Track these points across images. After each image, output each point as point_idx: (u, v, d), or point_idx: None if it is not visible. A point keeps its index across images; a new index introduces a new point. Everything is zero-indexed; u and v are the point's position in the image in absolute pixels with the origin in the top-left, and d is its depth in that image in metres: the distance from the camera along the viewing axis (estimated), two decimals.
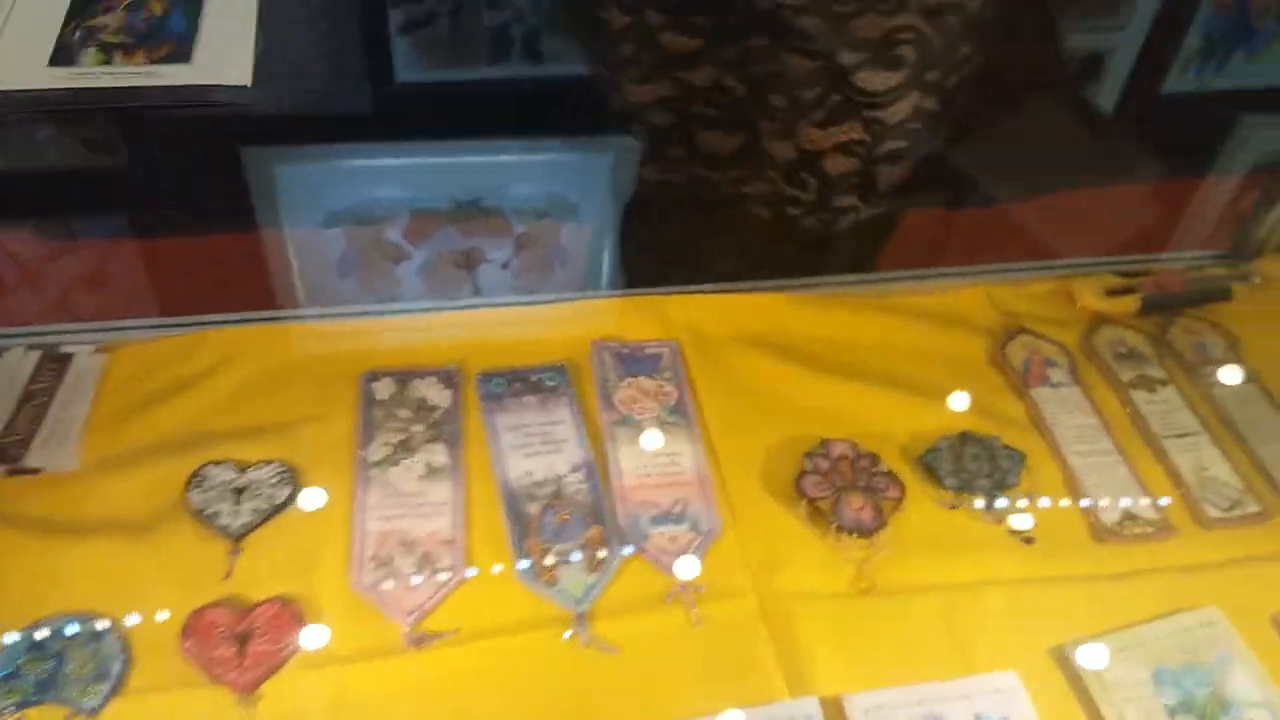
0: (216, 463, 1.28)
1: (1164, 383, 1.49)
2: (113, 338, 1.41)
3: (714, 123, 1.50)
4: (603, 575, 1.22)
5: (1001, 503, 1.30)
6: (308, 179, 1.53)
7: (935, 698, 1.14)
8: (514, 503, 1.28)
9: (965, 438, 1.38)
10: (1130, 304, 1.60)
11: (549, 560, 1.23)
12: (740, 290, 1.55)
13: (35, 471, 1.25)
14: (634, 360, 1.46)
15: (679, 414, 1.41)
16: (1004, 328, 1.54)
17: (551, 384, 1.43)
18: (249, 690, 1.10)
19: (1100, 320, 1.57)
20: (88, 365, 1.36)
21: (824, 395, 1.42)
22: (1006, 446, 1.38)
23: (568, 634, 1.16)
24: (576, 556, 1.23)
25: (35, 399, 1.32)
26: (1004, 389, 1.47)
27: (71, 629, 1.11)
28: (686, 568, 1.22)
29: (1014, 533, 1.30)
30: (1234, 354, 1.54)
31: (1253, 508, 1.33)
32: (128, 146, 1.53)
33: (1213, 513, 1.32)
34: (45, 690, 1.07)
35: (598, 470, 1.32)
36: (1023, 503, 1.31)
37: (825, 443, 1.36)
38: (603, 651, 1.15)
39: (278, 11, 1.38)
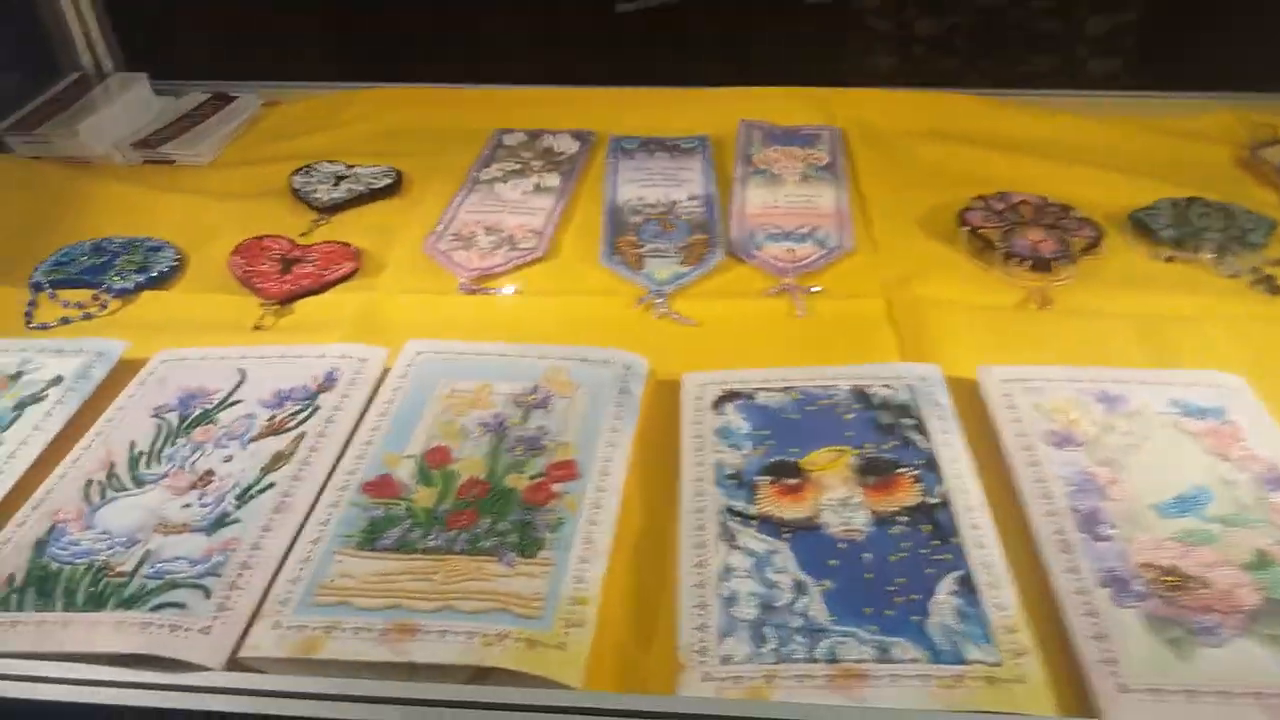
0: (330, 161, 1.25)
1: None
2: (279, 91, 1.47)
3: None
4: (696, 269, 1.04)
5: (1237, 259, 1.00)
6: None
7: (1114, 379, 0.83)
8: (616, 214, 1.15)
9: (1193, 200, 1.08)
10: None
11: (639, 251, 1.07)
12: (926, 88, 1.37)
13: (170, 161, 1.28)
14: (784, 135, 1.30)
15: (827, 171, 1.22)
16: (1255, 139, 1.24)
17: (688, 147, 1.30)
18: (280, 300, 1.00)
19: None
20: (247, 104, 1.41)
21: (1017, 171, 1.19)
22: (1251, 212, 1.07)
23: (641, 300, 0.99)
24: (670, 252, 1.07)
25: (190, 118, 1.37)
26: (1253, 184, 1.16)
27: (135, 242, 1.09)
28: (800, 271, 1.02)
29: (1256, 281, 0.98)
30: None
31: None
32: None
33: None
34: (86, 275, 1.04)
35: (718, 201, 1.16)
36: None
37: (1003, 193, 1.12)
38: (678, 323, 0.96)
39: None
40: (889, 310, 0.99)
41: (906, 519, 0.73)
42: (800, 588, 0.69)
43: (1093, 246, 1.06)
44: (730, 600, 0.68)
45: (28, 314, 1.01)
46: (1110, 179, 1.19)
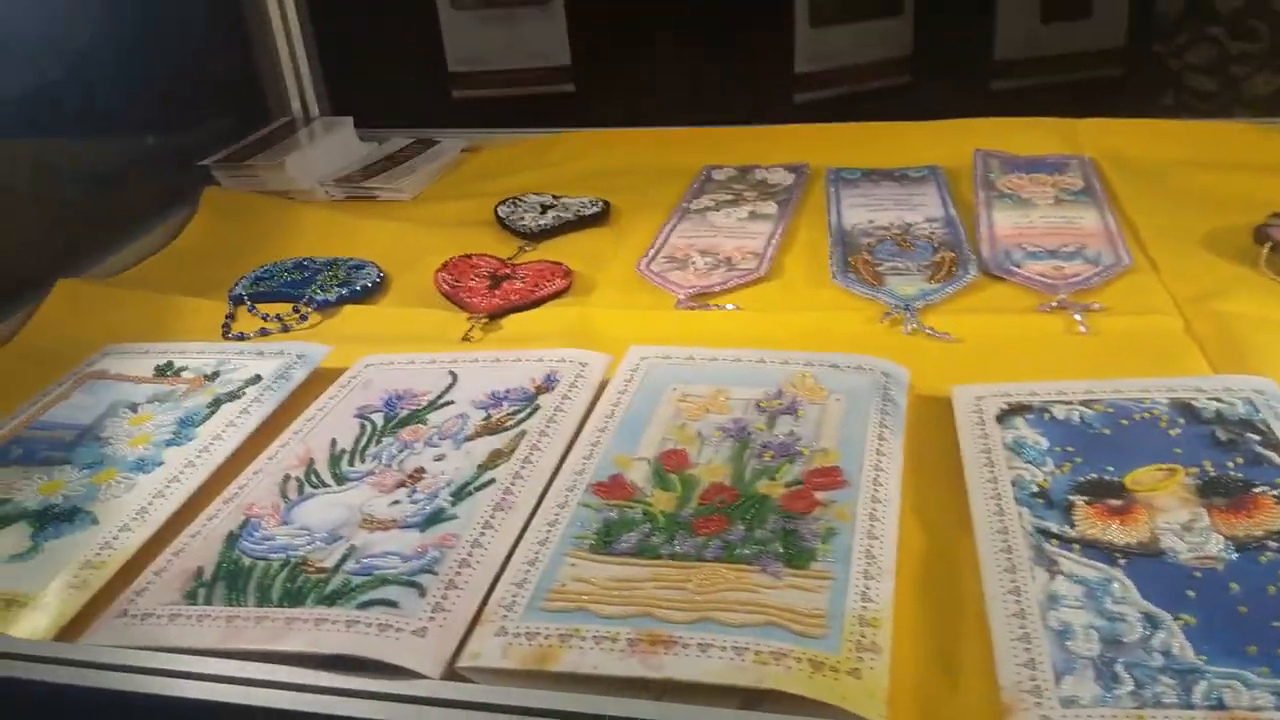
0: (538, 193, 1.20)
1: None
2: (481, 138, 1.44)
3: None
4: (948, 285, 0.92)
5: None
6: None
7: None
8: (844, 236, 1.04)
9: None
10: None
11: (877, 269, 0.95)
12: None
13: (372, 196, 1.26)
14: (1027, 163, 1.18)
15: (1084, 194, 1.09)
16: None
17: (917, 175, 1.18)
18: (489, 314, 0.93)
19: None
20: (449, 147, 1.38)
21: None
22: None
23: (887, 315, 0.87)
24: (913, 270, 0.95)
25: (393, 159, 1.35)
26: None
27: (337, 261, 1.05)
28: (1073, 288, 0.89)
29: None
30: None
31: None
32: None
33: None
34: (287, 289, 1.00)
35: (960, 223, 1.04)
36: None
37: None
38: (933, 338, 0.84)
39: None
40: (1188, 327, 0.84)
41: (1277, 545, 0.58)
42: (1152, 621, 0.54)
43: None
44: (1063, 633, 0.53)
45: (225, 325, 0.97)
46: None
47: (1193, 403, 0.70)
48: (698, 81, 1.71)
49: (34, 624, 0.59)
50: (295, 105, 1.45)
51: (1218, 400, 0.70)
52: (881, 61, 1.71)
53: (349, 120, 1.40)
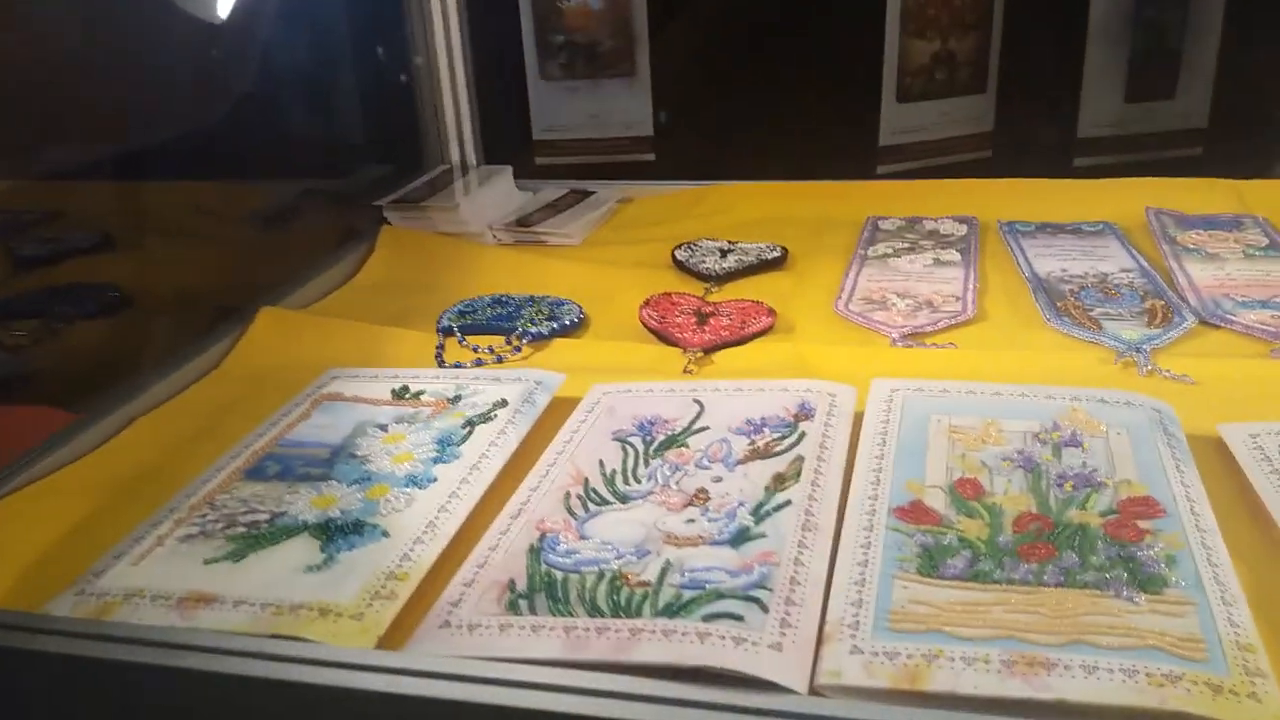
0: (711, 238, 1.20)
1: None
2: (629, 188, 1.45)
3: None
4: (1170, 330, 0.92)
5: None
6: None
7: None
8: (1042, 283, 1.04)
9: None
10: None
11: (1091, 315, 0.95)
12: None
13: (541, 241, 1.27)
14: (1201, 221, 1.18)
15: (1273, 250, 1.09)
16: None
17: (1091, 230, 1.19)
18: (701, 348, 0.93)
19: None
20: (607, 195, 1.40)
21: None
22: None
23: (1120, 357, 0.87)
24: (1126, 315, 0.95)
25: (554, 206, 1.36)
26: None
27: (536, 298, 1.05)
28: None
29: None
30: None
31: None
32: None
33: None
34: (495, 322, 1.01)
35: (1158, 275, 1.04)
36: None
37: None
38: (1171, 380, 0.83)
39: None
40: None
41: None
42: None
43: None
44: None
45: (438, 355, 0.97)
46: None
47: None
48: (779, 156, 1.75)
49: (351, 634, 0.58)
50: (455, 154, 1.48)
51: None
52: (964, 136, 1.75)
53: (508, 169, 1.42)
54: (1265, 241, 1.13)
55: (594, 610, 0.58)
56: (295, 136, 1.29)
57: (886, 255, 1.16)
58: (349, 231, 1.27)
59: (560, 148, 1.69)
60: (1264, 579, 0.61)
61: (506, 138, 1.74)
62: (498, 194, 1.38)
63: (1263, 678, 0.50)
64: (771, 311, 1.01)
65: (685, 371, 0.91)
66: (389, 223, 1.30)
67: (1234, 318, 0.95)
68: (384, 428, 0.80)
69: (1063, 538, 0.61)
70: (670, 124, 1.70)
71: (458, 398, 0.83)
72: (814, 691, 0.52)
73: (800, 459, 0.71)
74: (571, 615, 0.58)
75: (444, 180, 1.40)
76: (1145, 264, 1.09)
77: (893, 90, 1.63)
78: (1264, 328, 0.93)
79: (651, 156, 1.69)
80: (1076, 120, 1.68)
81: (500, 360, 0.96)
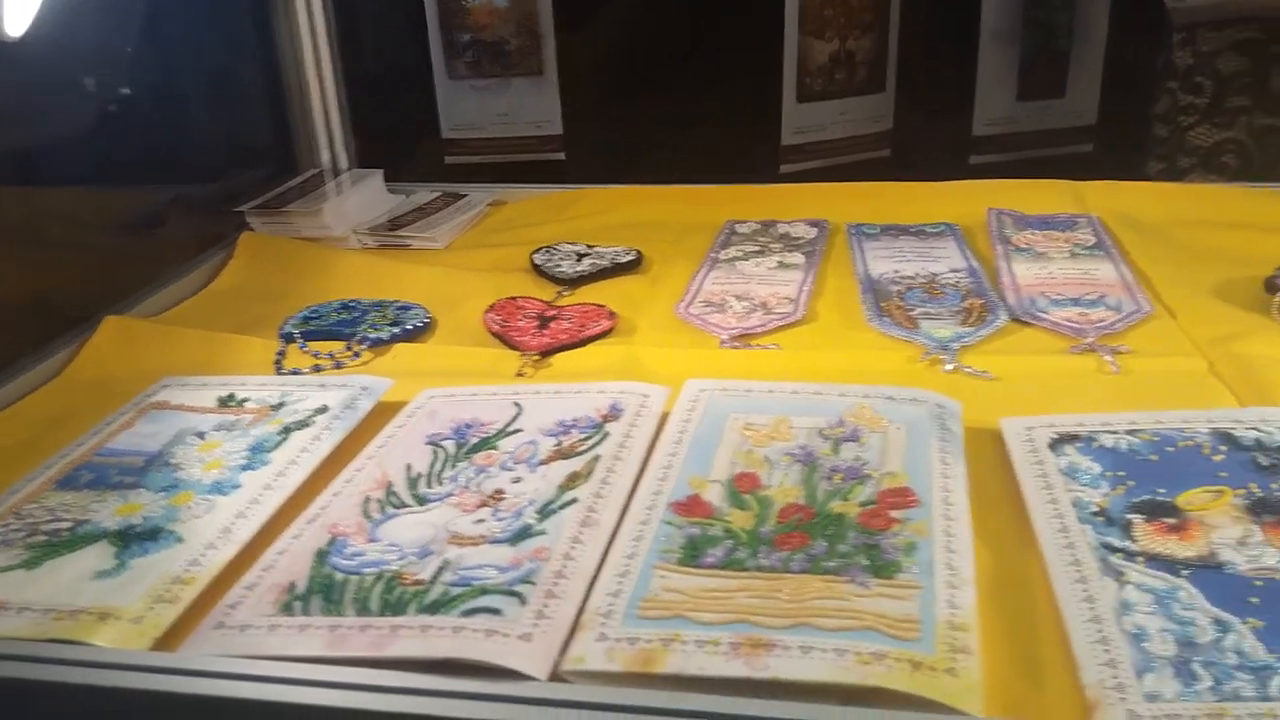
0: (571, 242, 1.23)
1: None
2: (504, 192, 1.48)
3: None
4: (981, 329, 0.97)
5: None
6: None
7: None
8: (873, 285, 1.09)
9: None
10: None
11: (910, 314, 1.00)
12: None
13: (405, 245, 1.29)
14: (1038, 221, 1.23)
15: (1097, 249, 1.14)
16: None
17: (934, 231, 1.23)
18: (540, 352, 0.95)
19: None
20: (476, 200, 1.42)
21: None
22: None
23: (926, 355, 0.91)
24: (944, 315, 0.99)
25: (423, 210, 1.38)
26: None
27: (384, 302, 1.07)
28: (1100, 333, 0.93)
29: None
30: None
31: None
32: None
33: None
34: (337, 328, 1.03)
35: (984, 274, 1.09)
36: None
37: None
38: (973, 376, 0.88)
39: None
40: (1212, 367, 0.89)
41: None
42: (1222, 625, 0.56)
43: None
44: (1139, 636, 0.56)
45: (277, 362, 0.99)
46: None
47: (1232, 431, 0.74)
48: (687, 154, 1.78)
49: (128, 636, 0.60)
50: (325, 158, 1.49)
51: (1256, 430, 0.74)
52: (864, 136, 1.80)
53: (379, 173, 1.44)
54: (1093, 241, 1.19)
55: (363, 609, 0.60)
56: (159, 141, 1.29)
57: (736, 259, 1.20)
58: (211, 237, 1.27)
59: (470, 146, 1.70)
60: (1007, 564, 0.65)
61: (414, 137, 1.76)
62: (366, 198, 1.40)
63: (966, 655, 0.54)
64: (612, 315, 1.04)
65: (518, 375, 0.94)
66: (251, 228, 1.32)
67: (1045, 315, 1.00)
68: (202, 435, 0.81)
69: (818, 527, 0.65)
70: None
71: (281, 405, 0.85)
72: (559, 678, 0.56)
73: (597, 458, 0.74)
74: (342, 615, 0.60)
75: (314, 184, 1.42)
76: (975, 264, 1.14)
77: (793, 90, 1.67)
78: (1071, 324, 0.98)
79: (562, 155, 1.71)
80: (972, 119, 1.74)
81: (339, 366, 0.97)
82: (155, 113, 1.28)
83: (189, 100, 1.33)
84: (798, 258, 1.19)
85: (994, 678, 0.56)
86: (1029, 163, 1.69)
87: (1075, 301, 1.02)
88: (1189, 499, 0.68)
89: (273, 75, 1.45)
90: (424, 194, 1.45)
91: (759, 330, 1.01)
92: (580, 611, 0.59)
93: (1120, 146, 1.73)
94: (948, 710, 0.51)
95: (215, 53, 1.40)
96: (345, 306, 1.08)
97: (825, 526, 0.65)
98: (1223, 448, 0.72)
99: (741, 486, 0.70)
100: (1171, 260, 1.14)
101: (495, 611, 0.58)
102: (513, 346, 0.99)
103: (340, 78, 1.50)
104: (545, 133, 1.71)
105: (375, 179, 1.43)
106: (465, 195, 1.45)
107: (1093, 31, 1.67)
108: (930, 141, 1.84)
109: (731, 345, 0.98)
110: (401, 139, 1.75)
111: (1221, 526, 0.65)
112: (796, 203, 1.39)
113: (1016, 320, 1.00)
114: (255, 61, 1.45)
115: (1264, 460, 0.71)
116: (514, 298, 1.07)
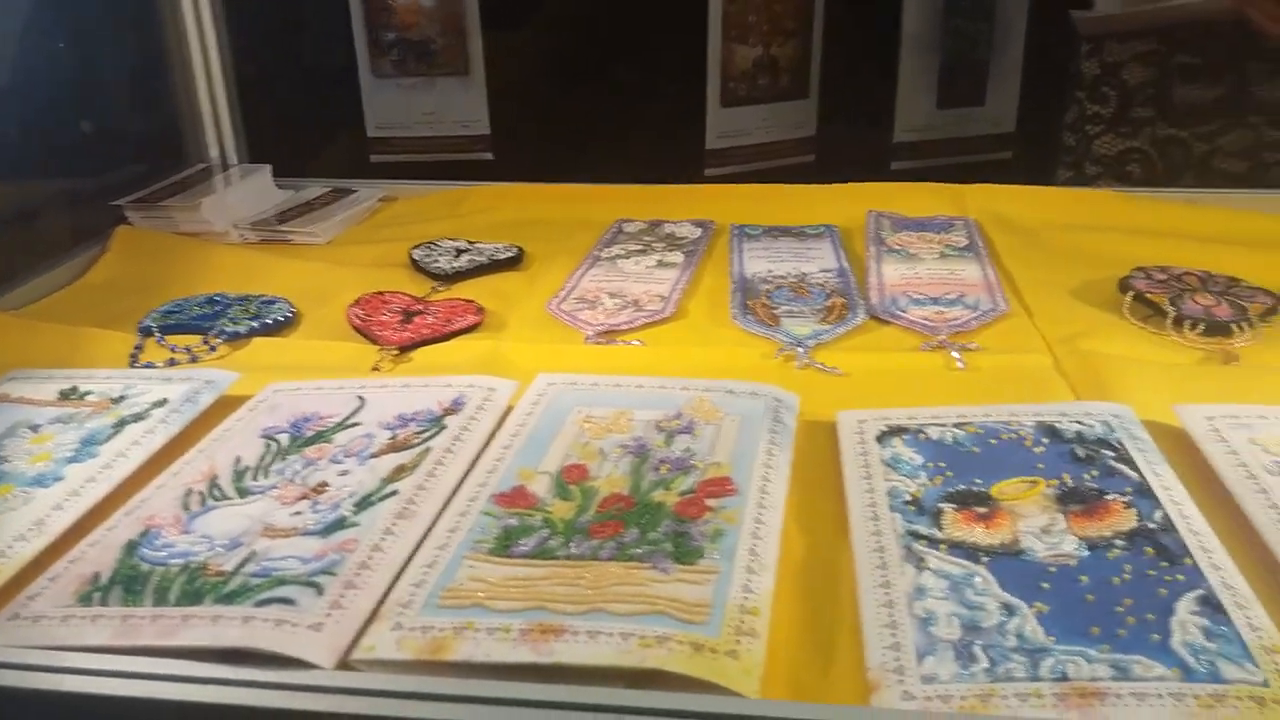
0: (451, 238, 1.23)
1: None
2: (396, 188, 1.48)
3: None
4: (838, 326, 0.98)
5: None
6: None
7: None
8: (744, 283, 1.10)
9: None
10: None
11: (774, 312, 1.01)
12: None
13: (287, 240, 1.28)
14: (916, 223, 1.26)
15: (967, 250, 1.16)
16: None
17: (814, 233, 1.25)
18: (400, 347, 0.95)
19: None
20: (366, 196, 1.41)
21: (1168, 256, 1.11)
22: None
23: (781, 351, 0.92)
24: (807, 313, 1.01)
25: (309, 206, 1.37)
26: None
27: (249, 296, 1.06)
28: (953, 330, 0.95)
29: None
30: None
31: None
32: None
33: None
34: (197, 321, 1.01)
35: (853, 274, 1.10)
36: None
37: (1164, 266, 1.05)
38: (823, 372, 0.89)
39: None
40: (1057, 364, 0.91)
41: (1124, 543, 0.63)
42: (1009, 610, 0.58)
43: (1271, 312, 0.97)
44: (927, 621, 0.57)
45: (133, 356, 0.97)
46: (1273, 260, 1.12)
47: (1056, 425, 0.76)
48: (611, 157, 1.78)
49: None
50: (214, 152, 1.47)
51: (1079, 423, 0.76)
52: (788, 141, 1.82)
53: (267, 168, 1.43)
54: (965, 243, 1.21)
55: (161, 600, 0.59)
56: (35, 133, 1.26)
57: (618, 257, 1.20)
58: (87, 232, 1.25)
59: (396, 145, 1.69)
60: (819, 551, 0.66)
61: (339, 135, 1.74)
62: (251, 193, 1.38)
63: (751, 638, 0.55)
64: (480, 310, 1.04)
65: (374, 369, 0.93)
66: (129, 222, 1.30)
67: (903, 314, 1.02)
68: (36, 428, 0.80)
69: (634, 515, 0.65)
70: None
71: (121, 398, 0.84)
72: (349, 666, 0.55)
73: (427, 450, 0.74)
74: (139, 605, 0.59)
75: (198, 179, 1.40)
76: (846, 265, 1.15)
77: (718, 94, 1.68)
78: (925, 323, 0.99)
79: (490, 155, 1.70)
80: (893, 126, 1.76)
81: (195, 360, 0.96)
82: (31, 105, 1.26)
83: (68, 93, 1.30)
84: (678, 256, 1.20)
85: (786, 661, 0.57)
86: (948, 169, 1.72)
87: (935, 300, 1.04)
88: (1002, 489, 0.69)
89: (158, 69, 1.42)
90: (314, 189, 1.44)
91: (625, 327, 1.01)
92: (381, 602, 0.59)
93: (1037, 154, 1.77)
94: (726, 692, 0.52)
95: (101, 46, 1.37)
96: (210, 300, 1.06)
97: (641, 515, 0.65)
98: (1045, 440, 0.74)
99: (569, 478, 0.70)
100: (1038, 261, 1.17)
101: (289, 602, 0.58)
102: (373, 341, 0.99)
103: (231, 70, 1.48)
104: (473, 132, 1.70)
105: (263, 174, 1.42)
106: (355, 191, 1.44)
107: (1011, 41, 1.71)
108: (852, 147, 1.86)
109: (596, 341, 0.98)
110: (324, 138, 1.74)
111: (1030, 516, 0.66)
112: (690, 203, 1.40)
113: (876, 319, 1.02)
114: (141, 55, 1.43)
115: (1081, 452, 0.73)
116: (381, 292, 1.06)
